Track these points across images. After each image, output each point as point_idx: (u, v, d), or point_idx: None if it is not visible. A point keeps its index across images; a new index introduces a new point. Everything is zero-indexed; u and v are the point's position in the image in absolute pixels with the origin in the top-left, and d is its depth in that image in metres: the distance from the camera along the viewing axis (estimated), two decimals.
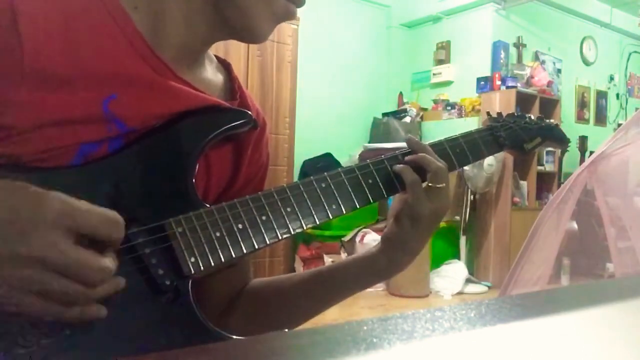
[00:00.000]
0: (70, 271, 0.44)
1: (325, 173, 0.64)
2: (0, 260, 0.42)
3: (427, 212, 0.66)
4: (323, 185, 0.63)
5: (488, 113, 0.83)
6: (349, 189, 0.64)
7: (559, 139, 0.86)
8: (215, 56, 0.74)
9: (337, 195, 0.63)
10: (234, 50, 3.80)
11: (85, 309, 0.47)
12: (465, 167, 4.36)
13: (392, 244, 0.69)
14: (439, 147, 0.72)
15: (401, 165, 0.68)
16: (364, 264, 0.71)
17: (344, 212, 0.64)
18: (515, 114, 0.84)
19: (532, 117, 0.86)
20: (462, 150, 0.73)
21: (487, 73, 4.88)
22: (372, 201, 0.66)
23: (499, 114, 0.83)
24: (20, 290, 0.43)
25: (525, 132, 0.81)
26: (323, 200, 0.62)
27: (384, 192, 0.67)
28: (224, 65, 0.74)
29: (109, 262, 0.46)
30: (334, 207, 0.63)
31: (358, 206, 0.65)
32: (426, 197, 0.66)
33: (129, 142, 0.58)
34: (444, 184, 0.67)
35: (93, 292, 0.46)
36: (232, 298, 0.75)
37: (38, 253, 0.43)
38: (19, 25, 0.53)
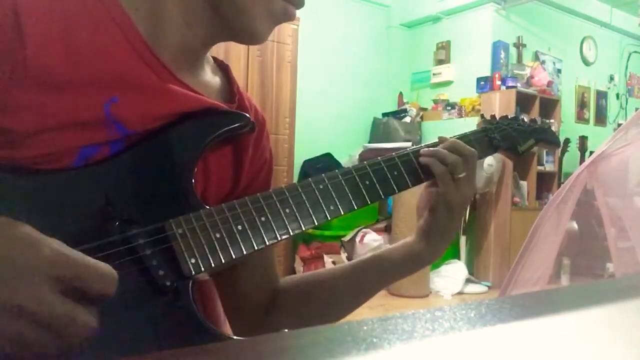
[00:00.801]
0: (55, 327, 0.41)
1: (324, 174, 0.65)
2: None
3: (458, 199, 0.70)
4: (321, 186, 0.63)
5: (482, 115, 0.86)
6: (347, 190, 0.65)
7: (552, 141, 0.89)
8: (214, 58, 0.74)
9: (335, 196, 0.64)
10: (234, 51, 3.80)
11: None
12: None
13: (430, 235, 0.73)
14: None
15: (428, 157, 0.71)
16: (405, 253, 0.74)
17: (342, 213, 0.64)
18: (509, 117, 0.86)
19: (526, 120, 0.88)
20: None
21: (487, 73, 4.88)
22: (369, 202, 0.66)
23: (492, 116, 0.86)
24: (12, 341, 0.40)
25: (519, 134, 0.83)
26: (321, 201, 0.63)
27: (381, 193, 0.68)
28: (222, 68, 0.74)
29: (92, 318, 0.43)
30: (332, 208, 0.63)
31: (356, 207, 0.65)
32: (455, 186, 0.70)
33: (129, 145, 0.58)
34: (469, 172, 0.71)
35: (76, 344, 0.43)
36: (270, 298, 0.76)
37: (24, 305, 0.40)
38: (22, 27, 0.52)
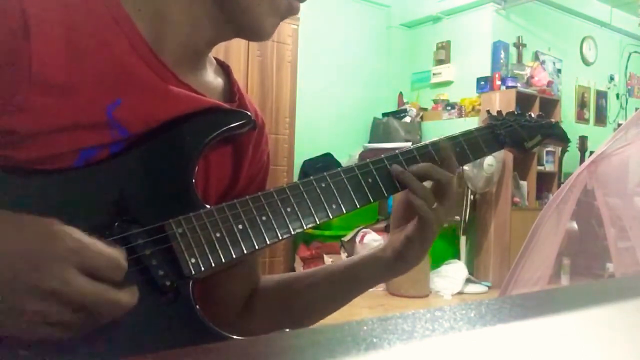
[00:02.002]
0: (86, 304, 0.46)
1: (325, 173, 0.64)
2: (16, 293, 0.44)
3: (434, 219, 0.67)
4: (323, 185, 0.63)
5: (488, 111, 0.83)
6: (349, 188, 0.64)
7: (560, 137, 0.86)
8: (215, 59, 0.74)
9: (337, 194, 0.63)
10: (234, 51, 3.80)
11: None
12: (465, 167, 4.36)
13: (406, 253, 0.69)
14: (438, 146, 0.71)
15: (405, 175, 0.67)
16: (379, 267, 0.72)
17: (344, 211, 0.64)
18: (516, 112, 0.83)
19: (533, 115, 0.85)
20: (462, 149, 0.73)
21: (487, 73, 4.88)
22: (372, 201, 0.66)
23: (499, 112, 0.83)
24: (35, 322, 0.45)
25: (526, 130, 0.81)
26: (323, 199, 0.62)
27: (384, 192, 0.67)
28: (224, 68, 0.74)
29: (123, 295, 0.49)
30: (334, 206, 0.63)
31: (358, 206, 0.64)
32: (432, 202, 0.67)
33: (129, 145, 0.58)
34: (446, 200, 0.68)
35: (104, 321, 0.48)
36: (247, 298, 0.76)
37: (54, 287, 0.44)
38: (29, 28, 0.52)
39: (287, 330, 0.52)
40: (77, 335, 0.47)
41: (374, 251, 0.73)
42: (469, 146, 0.74)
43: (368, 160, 0.67)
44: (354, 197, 0.64)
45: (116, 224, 0.54)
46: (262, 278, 0.78)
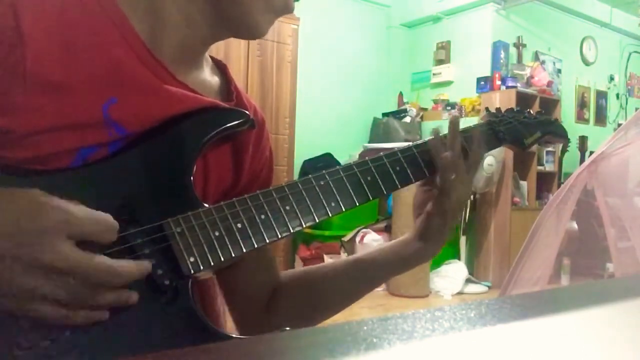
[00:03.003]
0: (78, 273, 0.46)
1: (324, 171, 0.64)
2: (9, 269, 0.44)
3: (454, 199, 0.69)
4: (322, 183, 0.63)
5: (487, 109, 0.83)
6: (348, 186, 0.64)
7: (560, 134, 0.86)
8: (212, 57, 0.74)
9: (336, 192, 0.63)
10: (234, 50, 3.80)
11: (91, 313, 0.48)
12: None
13: (427, 236, 0.72)
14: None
15: (435, 144, 0.69)
16: (401, 254, 0.74)
17: (343, 209, 0.64)
18: (515, 109, 0.83)
19: (532, 112, 0.85)
20: (461, 146, 0.73)
21: (487, 73, 4.88)
22: (371, 198, 0.66)
23: (498, 109, 0.83)
24: (30, 297, 0.45)
25: (525, 126, 0.81)
26: (322, 198, 0.62)
27: (383, 189, 0.67)
28: (220, 67, 0.74)
29: (120, 263, 0.49)
30: (333, 204, 0.63)
31: (357, 203, 0.65)
32: (453, 184, 0.69)
33: (128, 144, 0.58)
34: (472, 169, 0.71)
35: (101, 297, 0.48)
36: (270, 295, 0.77)
37: (45, 261, 0.44)
38: (21, 28, 0.52)
39: (287, 329, 0.52)
40: (79, 317, 0.47)
41: (399, 239, 0.76)
42: (468, 143, 0.74)
43: (367, 158, 0.67)
44: (353, 194, 0.64)
45: None
46: (283, 274, 0.80)
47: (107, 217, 0.50)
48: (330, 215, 0.63)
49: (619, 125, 4.55)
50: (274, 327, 0.74)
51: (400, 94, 5.49)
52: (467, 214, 4.67)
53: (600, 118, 5.98)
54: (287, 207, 0.60)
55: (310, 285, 0.77)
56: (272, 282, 0.78)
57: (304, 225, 0.61)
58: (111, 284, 0.48)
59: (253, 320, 0.76)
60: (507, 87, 4.73)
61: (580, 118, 5.76)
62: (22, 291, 0.44)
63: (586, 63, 5.83)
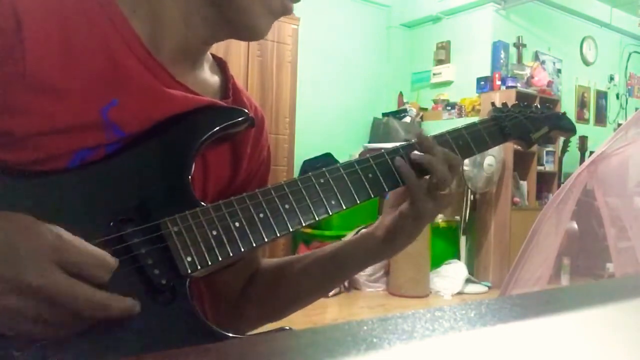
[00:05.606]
0: (62, 301, 0.45)
1: (325, 168, 0.63)
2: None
3: (429, 209, 0.67)
4: (322, 180, 0.62)
5: (493, 104, 0.81)
6: (349, 184, 0.64)
7: (567, 128, 0.85)
8: (212, 55, 0.74)
9: (336, 190, 0.62)
10: (234, 50, 3.80)
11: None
12: (466, 167, 4.36)
13: (396, 237, 0.70)
14: (441, 139, 0.71)
15: (401, 163, 0.67)
16: (367, 250, 0.72)
17: (344, 207, 0.63)
18: (521, 104, 0.82)
19: (538, 107, 0.84)
20: (465, 142, 0.72)
21: (487, 73, 4.88)
22: (372, 196, 0.65)
23: (504, 104, 0.81)
24: (15, 317, 0.44)
25: (531, 121, 0.80)
26: (322, 196, 0.62)
27: (385, 187, 0.66)
28: (220, 65, 0.74)
29: (108, 297, 0.48)
30: (333, 202, 0.62)
31: (358, 201, 0.64)
32: (428, 197, 0.67)
33: (125, 144, 0.58)
34: (448, 191, 0.68)
35: (86, 323, 0.48)
36: (244, 285, 0.76)
37: (32, 283, 0.44)
38: (22, 30, 0.52)
39: (288, 328, 0.52)
40: (63, 334, 0.47)
41: (364, 232, 0.74)
42: (473, 139, 0.73)
43: (368, 155, 0.67)
44: (353, 192, 0.64)
45: (111, 223, 0.53)
46: (263, 261, 0.79)
47: (104, 253, 0.48)
48: (330, 213, 0.62)
49: (619, 125, 4.55)
50: (242, 312, 0.74)
51: (400, 94, 5.49)
52: (467, 214, 4.67)
53: (600, 118, 5.98)
54: (287, 206, 0.59)
55: (277, 277, 0.76)
56: (251, 270, 0.77)
57: (304, 224, 0.60)
58: (95, 317, 0.48)
59: (226, 304, 0.75)
60: (507, 87, 4.73)
61: (580, 118, 5.76)
62: (7, 311, 0.44)
63: (586, 63, 5.82)
